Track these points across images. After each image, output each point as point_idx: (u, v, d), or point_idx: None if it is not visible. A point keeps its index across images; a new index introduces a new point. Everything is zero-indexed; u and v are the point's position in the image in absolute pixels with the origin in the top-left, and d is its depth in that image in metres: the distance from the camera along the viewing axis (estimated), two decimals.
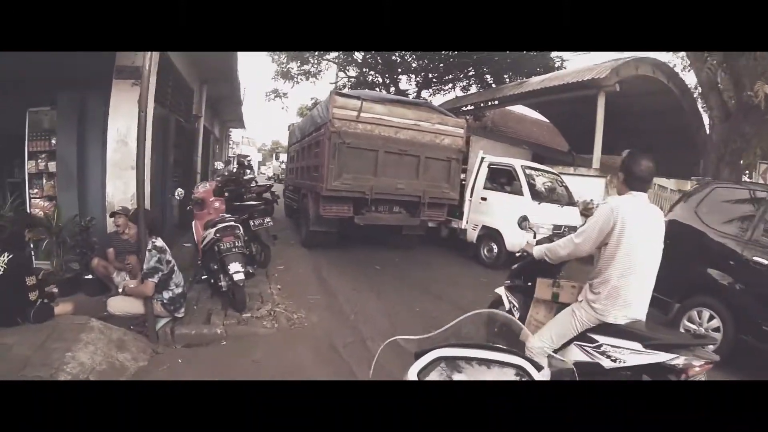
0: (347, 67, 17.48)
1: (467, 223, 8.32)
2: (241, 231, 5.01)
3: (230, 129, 22.48)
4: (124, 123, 4.84)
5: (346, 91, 8.43)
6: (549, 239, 3.16)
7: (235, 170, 6.80)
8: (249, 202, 6.06)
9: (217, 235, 4.77)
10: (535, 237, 3.38)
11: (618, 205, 2.23)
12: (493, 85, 15.97)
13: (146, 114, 4.31)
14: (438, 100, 17.75)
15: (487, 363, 1.56)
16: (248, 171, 12.56)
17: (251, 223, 5.71)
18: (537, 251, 2.71)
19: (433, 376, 1.52)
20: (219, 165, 12.52)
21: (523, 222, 3.52)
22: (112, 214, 4.51)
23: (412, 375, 1.51)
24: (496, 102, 13.52)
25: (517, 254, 3.27)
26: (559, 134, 16.55)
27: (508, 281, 3.31)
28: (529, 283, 3.00)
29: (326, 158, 6.73)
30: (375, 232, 8.13)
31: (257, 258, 5.88)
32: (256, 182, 11.97)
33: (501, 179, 8.13)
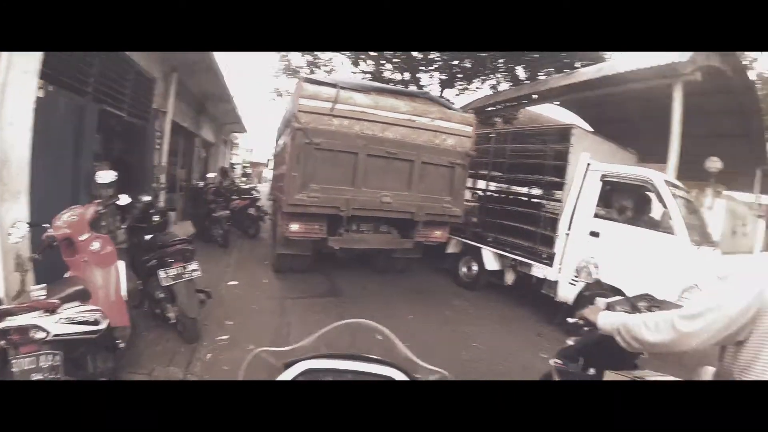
0: (360, 62, 16.32)
1: (560, 272, 5.78)
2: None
3: (233, 133, 21.72)
4: None
5: (319, 77, 7.11)
6: (631, 304, 2.30)
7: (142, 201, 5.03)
8: (171, 239, 4.58)
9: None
10: (606, 296, 2.46)
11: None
12: (527, 82, 14.43)
13: (2, 96, 3.46)
14: (463, 99, 16.42)
15: (358, 375, 1.59)
16: (230, 180, 11.75)
17: (162, 273, 4.17)
18: (606, 323, 1.86)
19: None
20: (211, 175, 11.79)
21: (583, 269, 2.86)
22: None
23: None
24: (534, 98, 12.10)
25: (571, 321, 2.33)
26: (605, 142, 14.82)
27: (559, 361, 2.42)
28: (591, 371, 2.22)
29: (290, 163, 5.59)
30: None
31: (178, 329, 4.37)
32: (254, 193, 11.17)
33: (623, 202, 5.58)
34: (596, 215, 5.61)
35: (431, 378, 1.76)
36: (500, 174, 7.55)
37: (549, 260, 5.89)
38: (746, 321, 1.42)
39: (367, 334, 1.89)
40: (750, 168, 11.06)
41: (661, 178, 5.32)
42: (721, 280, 1.75)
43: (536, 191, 7.15)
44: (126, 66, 6.16)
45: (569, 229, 5.81)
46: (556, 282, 5.81)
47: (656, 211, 5.29)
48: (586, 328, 2.26)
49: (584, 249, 5.51)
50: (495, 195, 7.87)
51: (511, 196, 7.85)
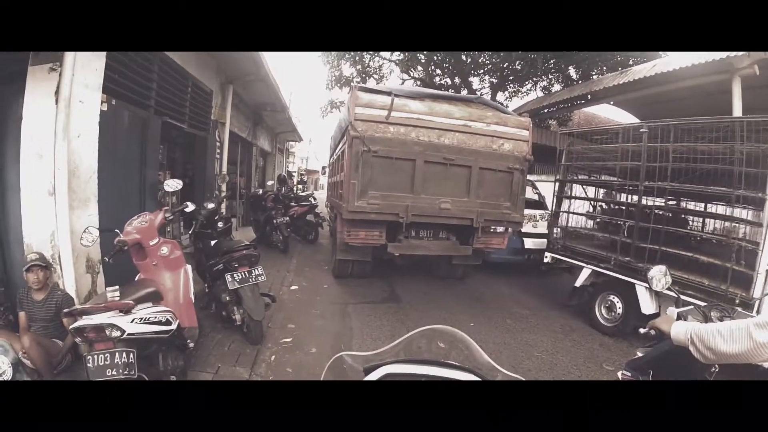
0: (410, 68, 16.54)
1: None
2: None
3: (289, 142, 22.42)
4: (41, 128, 3.64)
5: (373, 85, 7.28)
6: (703, 314, 2.28)
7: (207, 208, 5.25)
8: (236, 245, 4.76)
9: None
10: (677, 304, 2.43)
11: None
12: (580, 82, 14.08)
13: (68, 110, 3.59)
14: (515, 102, 16.29)
15: (438, 380, 1.57)
16: (288, 187, 12.18)
17: (228, 277, 4.39)
18: (679, 332, 1.73)
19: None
20: (269, 183, 12.22)
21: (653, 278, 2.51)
22: (28, 269, 3.39)
23: None
24: (588, 98, 11.92)
25: (642, 332, 2.18)
26: None
27: (628, 373, 2.39)
28: None
29: (348, 171, 5.77)
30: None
31: (243, 331, 4.54)
32: (312, 200, 11.55)
33: None
34: None
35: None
36: (659, 184, 5.44)
37: (744, 307, 4.26)
38: None
39: (442, 340, 1.92)
40: None
41: None
42: None
43: (719, 209, 5.34)
44: (183, 79, 6.38)
45: None
46: None
47: None
48: (655, 334, 2.15)
49: None
50: (653, 212, 5.60)
51: (678, 215, 6.19)
